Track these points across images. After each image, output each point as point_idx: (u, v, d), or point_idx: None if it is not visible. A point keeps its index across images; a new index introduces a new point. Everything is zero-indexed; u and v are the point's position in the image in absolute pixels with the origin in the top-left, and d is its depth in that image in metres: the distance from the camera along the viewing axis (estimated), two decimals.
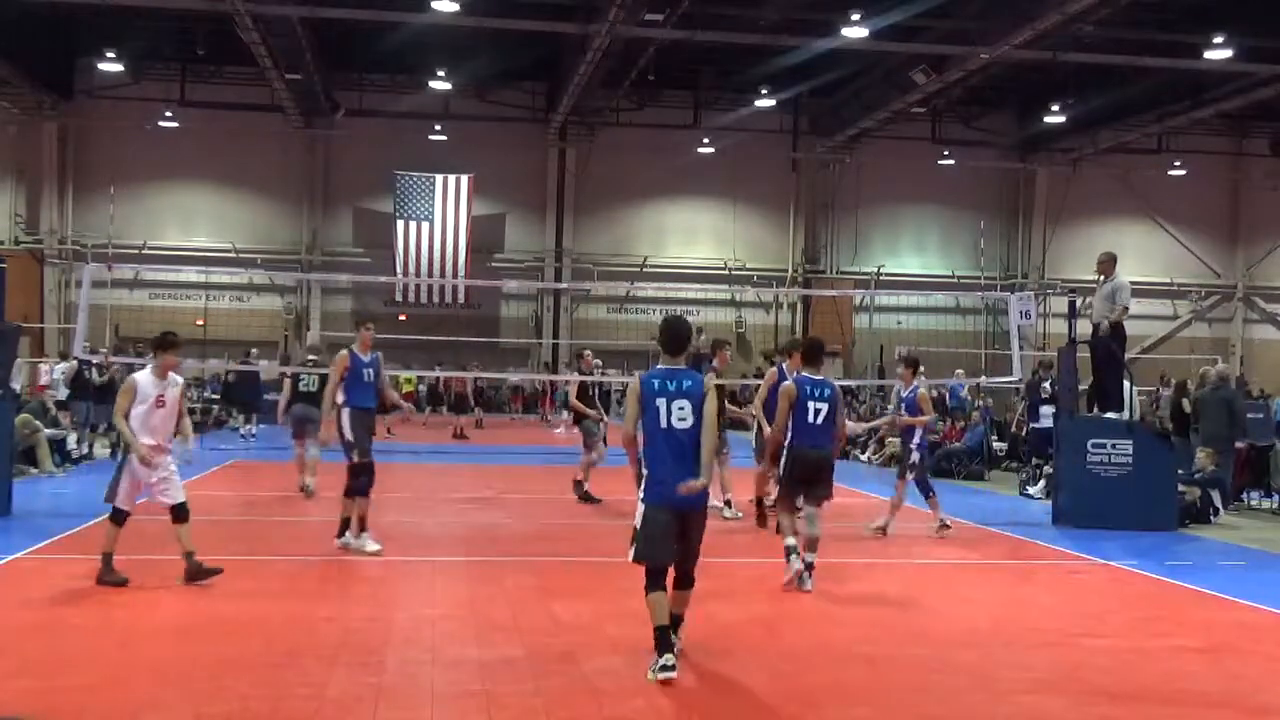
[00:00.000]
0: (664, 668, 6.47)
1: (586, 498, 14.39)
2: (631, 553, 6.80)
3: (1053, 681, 6.72)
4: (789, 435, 9.37)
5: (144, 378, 9.11)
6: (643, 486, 6.86)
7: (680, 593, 6.91)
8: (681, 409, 6.83)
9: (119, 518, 9.02)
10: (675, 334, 7.07)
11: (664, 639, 6.57)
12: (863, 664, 7.03)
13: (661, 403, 6.83)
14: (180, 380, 9.47)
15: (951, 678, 6.72)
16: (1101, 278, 14.31)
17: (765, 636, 7.70)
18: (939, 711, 6.11)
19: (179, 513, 9.01)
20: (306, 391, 15.14)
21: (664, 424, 6.82)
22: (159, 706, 5.79)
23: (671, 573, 6.83)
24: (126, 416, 8.95)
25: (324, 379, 16.16)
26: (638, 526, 6.80)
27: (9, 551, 9.93)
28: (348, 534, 10.47)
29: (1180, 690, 6.65)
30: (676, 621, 6.86)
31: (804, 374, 9.62)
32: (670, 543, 6.75)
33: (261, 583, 9.00)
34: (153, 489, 9.02)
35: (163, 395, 9.05)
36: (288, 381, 15.84)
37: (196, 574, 8.88)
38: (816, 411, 9.31)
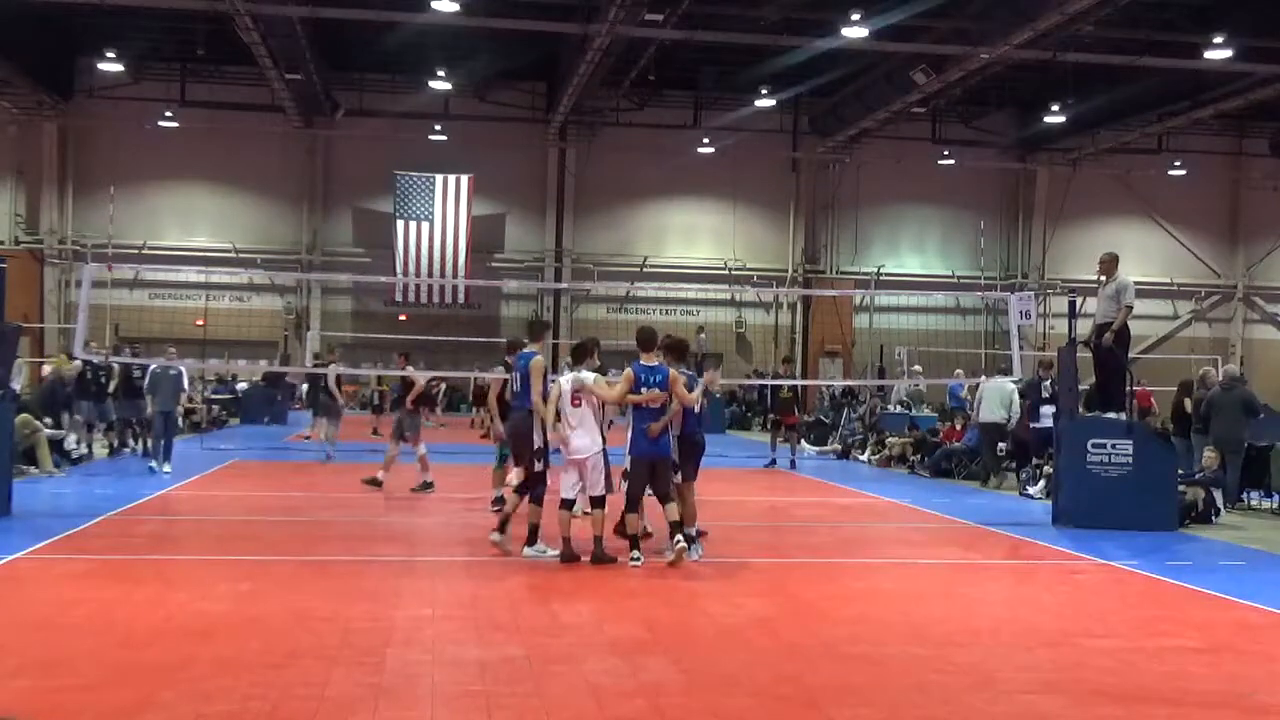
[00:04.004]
0: (635, 559, 9.90)
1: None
2: (625, 487, 10.12)
3: (1053, 681, 6.72)
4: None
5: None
6: (628, 445, 10.07)
7: (668, 507, 9.97)
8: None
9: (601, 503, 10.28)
10: (646, 338, 10.25)
11: (635, 543, 10.03)
12: (864, 664, 7.03)
13: (640, 390, 9.96)
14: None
15: (952, 678, 6.72)
16: (1103, 278, 14.27)
17: (766, 636, 7.70)
18: (940, 711, 6.11)
19: (599, 503, 10.25)
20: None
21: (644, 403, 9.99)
22: (159, 706, 5.79)
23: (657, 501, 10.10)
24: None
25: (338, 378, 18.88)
26: (626, 469, 10.14)
27: (9, 551, 9.92)
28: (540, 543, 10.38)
29: (1180, 690, 6.65)
30: (675, 526, 9.93)
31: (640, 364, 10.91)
32: (646, 480, 10.04)
33: (261, 583, 8.99)
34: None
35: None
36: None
37: (602, 559, 10.01)
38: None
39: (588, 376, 10.29)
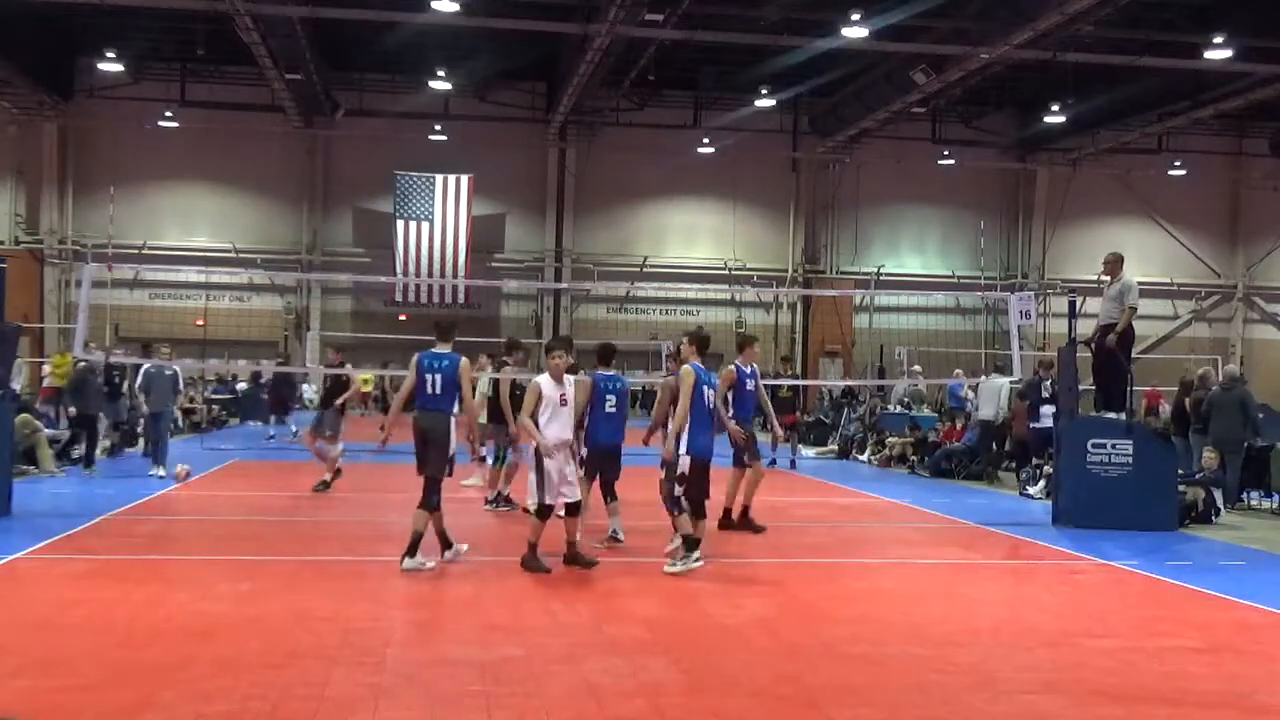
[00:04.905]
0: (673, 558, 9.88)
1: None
2: (680, 490, 9.94)
3: (1053, 681, 6.72)
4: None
5: (545, 380, 9.79)
6: (685, 445, 9.90)
7: (700, 523, 10.05)
8: (710, 395, 10.23)
9: (545, 513, 9.73)
10: (705, 344, 10.63)
11: (695, 544, 9.88)
12: (864, 664, 7.03)
13: (703, 388, 10.15)
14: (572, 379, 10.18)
15: (952, 678, 6.72)
16: (1108, 279, 14.24)
17: (766, 636, 7.70)
18: (940, 711, 6.11)
19: (574, 509, 9.93)
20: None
21: (705, 403, 10.12)
22: (159, 706, 5.79)
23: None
24: (534, 417, 9.65)
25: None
26: (684, 472, 9.92)
27: (9, 551, 9.92)
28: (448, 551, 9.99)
29: (1180, 690, 6.65)
30: (696, 543, 9.87)
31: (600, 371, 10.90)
32: (703, 482, 10.05)
33: (261, 583, 8.99)
34: (556, 486, 9.72)
35: (565, 394, 9.83)
36: None
37: (576, 560, 9.82)
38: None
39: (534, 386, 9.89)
